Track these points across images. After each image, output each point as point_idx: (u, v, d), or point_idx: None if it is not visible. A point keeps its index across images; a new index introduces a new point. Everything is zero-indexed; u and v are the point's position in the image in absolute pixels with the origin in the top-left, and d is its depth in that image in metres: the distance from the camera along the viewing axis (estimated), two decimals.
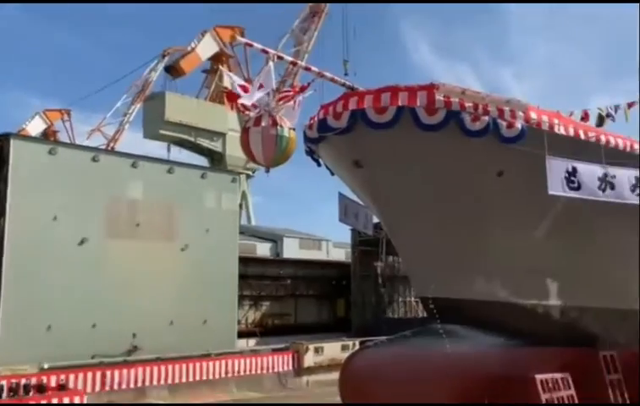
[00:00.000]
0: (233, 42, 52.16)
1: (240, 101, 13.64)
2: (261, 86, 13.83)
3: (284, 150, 13.81)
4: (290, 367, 31.72)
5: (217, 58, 52.81)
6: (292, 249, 48.58)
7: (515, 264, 16.32)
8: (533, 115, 14.59)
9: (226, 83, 14.93)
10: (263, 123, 13.66)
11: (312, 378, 31.82)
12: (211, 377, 28.68)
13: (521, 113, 14.40)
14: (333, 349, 33.30)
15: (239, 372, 29.76)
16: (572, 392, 16.30)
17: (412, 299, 51.92)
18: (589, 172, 14.20)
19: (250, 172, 53.60)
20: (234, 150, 48.66)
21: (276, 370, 31.21)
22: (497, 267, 16.27)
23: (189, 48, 50.85)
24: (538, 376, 15.63)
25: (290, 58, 14.91)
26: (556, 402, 15.77)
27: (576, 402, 16.19)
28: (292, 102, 14.33)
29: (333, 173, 17.24)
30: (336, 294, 50.53)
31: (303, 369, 31.80)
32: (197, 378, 28.15)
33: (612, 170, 14.37)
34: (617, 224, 16.53)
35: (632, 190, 14.47)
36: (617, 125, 19.06)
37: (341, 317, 49.29)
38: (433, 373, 15.28)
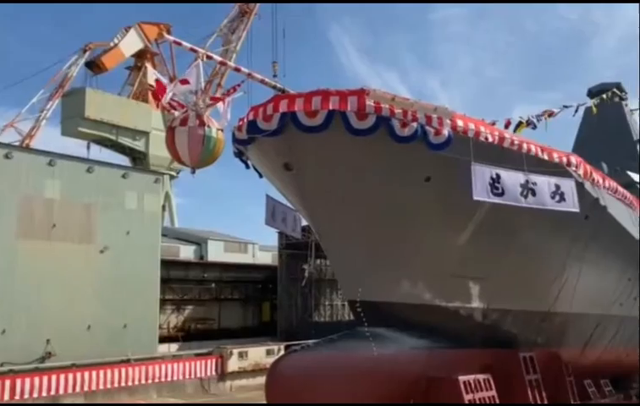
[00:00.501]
0: (158, 40, 50.84)
1: (165, 98, 13.18)
2: (185, 82, 13.44)
3: (212, 151, 13.50)
4: (214, 372, 31.15)
5: (141, 55, 51.34)
6: (217, 252, 47.64)
7: (441, 268, 16.68)
8: (460, 122, 14.96)
9: (151, 81, 14.35)
10: (190, 123, 13.31)
11: (236, 383, 31.47)
12: (130, 384, 27.79)
13: (448, 121, 14.72)
14: (258, 354, 33.06)
15: (160, 378, 29.00)
16: (494, 392, 16.82)
17: (339, 302, 52.27)
18: (512, 178, 14.68)
19: (174, 173, 52.37)
20: (157, 150, 47.48)
21: (198, 375, 30.59)
22: (423, 271, 16.58)
23: (111, 44, 49.15)
24: (461, 377, 15.99)
25: (220, 58, 14.55)
26: (478, 402, 16.13)
27: (497, 402, 16.66)
28: (222, 103, 14.01)
29: (261, 176, 17.04)
30: (262, 298, 50.17)
31: (227, 374, 31.35)
32: (115, 385, 27.25)
33: (533, 177, 14.91)
34: (537, 230, 17.17)
35: (552, 197, 15.03)
36: (538, 133, 19.87)
37: (267, 321, 48.94)
38: (359, 376, 15.28)
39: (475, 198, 14.24)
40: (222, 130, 13.76)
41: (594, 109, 24.01)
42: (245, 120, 14.78)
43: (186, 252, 45.92)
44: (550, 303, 19.05)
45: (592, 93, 33.13)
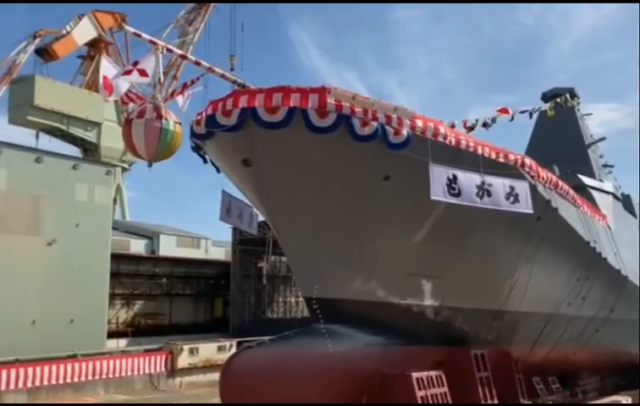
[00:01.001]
0: (113, 29, 49.58)
1: (116, 92, 12.86)
2: (143, 74, 13.15)
3: (169, 144, 13.31)
4: (163, 368, 30.60)
5: (95, 44, 49.98)
6: (169, 247, 47.07)
7: (397, 266, 16.89)
8: (419, 123, 15.19)
9: (106, 72, 13.98)
10: (147, 115, 13.04)
11: (186, 379, 31.09)
12: (76, 380, 27.07)
13: (407, 121, 14.98)
14: (209, 350, 32.68)
15: (107, 374, 28.38)
16: (445, 389, 17.17)
17: (293, 298, 52.27)
18: (468, 179, 14.99)
19: (126, 166, 51.17)
20: (109, 141, 46.35)
21: (147, 371, 29.96)
22: (379, 269, 16.79)
23: (64, 31, 47.65)
24: (414, 374, 16.28)
25: (179, 51, 14.28)
26: (430, 399, 16.39)
27: (449, 398, 17.02)
28: (180, 96, 13.78)
29: (219, 171, 16.90)
30: (214, 294, 49.71)
31: (177, 370, 30.86)
32: (61, 381, 26.49)
33: (489, 178, 15.23)
34: (490, 230, 17.52)
35: (507, 198, 15.38)
36: (492, 135, 20.26)
37: (219, 317, 48.55)
38: (314, 373, 15.42)
39: (432, 198, 14.48)
40: (180, 123, 13.54)
41: (550, 112, 24.69)
42: (204, 114, 14.66)
43: (137, 246, 45.27)
44: (502, 302, 19.52)
45: (546, 97, 34.13)
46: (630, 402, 23.67)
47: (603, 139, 37.89)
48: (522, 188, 15.89)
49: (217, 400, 25.85)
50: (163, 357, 30.82)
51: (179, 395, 28.28)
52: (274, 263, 52.71)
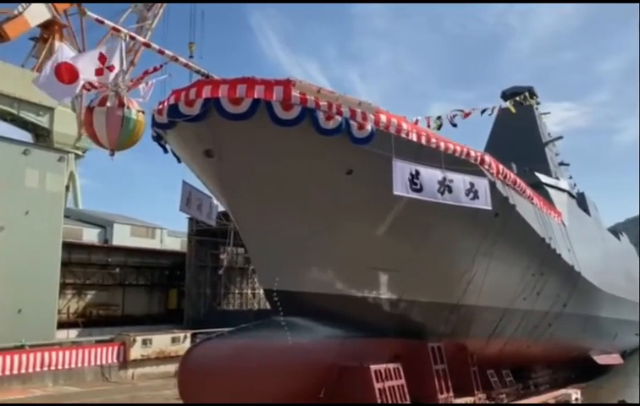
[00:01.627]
0: (68, 11, 48.17)
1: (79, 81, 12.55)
2: (112, 69, 12.89)
3: (131, 133, 13.14)
4: (115, 360, 30.15)
5: (48, 26, 48.45)
6: (123, 237, 46.20)
7: (357, 259, 17.12)
8: (383, 118, 15.40)
9: (64, 58, 13.58)
10: (109, 104, 12.81)
11: (139, 371, 30.75)
12: (24, 371, 26.47)
13: (371, 116, 15.19)
14: (163, 342, 32.39)
15: (56, 366, 27.82)
16: (403, 381, 17.56)
17: (249, 290, 52.22)
18: (430, 175, 15.30)
19: (79, 152, 49.86)
20: (62, 127, 45.09)
21: (99, 363, 29.47)
22: (340, 262, 17.00)
23: (15, 12, 46.09)
24: (373, 367, 16.59)
25: (143, 39, 13.99)
26: (388, 391, 16.67)
27: (406, 390, 17.36)
28: (143, 84, 13.55)
29: (179, 161, 16.75)
30: (169, 285, 49.17)
31: (129, 361, 30.51)
32: (7, 372, 25.85)
33: (450, 175, 15.56)
34: (450, 225, 17.87)
35: (467, 194, 15.74)
36: (452, 132, 20.65)
37: (173, 309, 47.98)
38: (273, 365, 15.56)
39: (395, 193, 14.73)
40: (142, 112, 13.35)
41: (512, 109, 25.27)
42: (166, 104, 14.54)
43: (90, 235, 44.22)
44: (459, 295, 19.96)
45: (505, 95, 35.06)
46: (579, 395, 24.67)
47: (560, 138, 39.15)
48: (482, 185, 16.28)
49: (169, 391, 26.15)
50: (115, 348, 30.37)
51: (130, 387, 27.86)
52: (232, 255, 52.64)
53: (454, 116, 21.06)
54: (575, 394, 24.63)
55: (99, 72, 12.98)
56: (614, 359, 34.72)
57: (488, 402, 21.27)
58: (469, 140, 18.69)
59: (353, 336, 17.19)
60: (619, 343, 37.81)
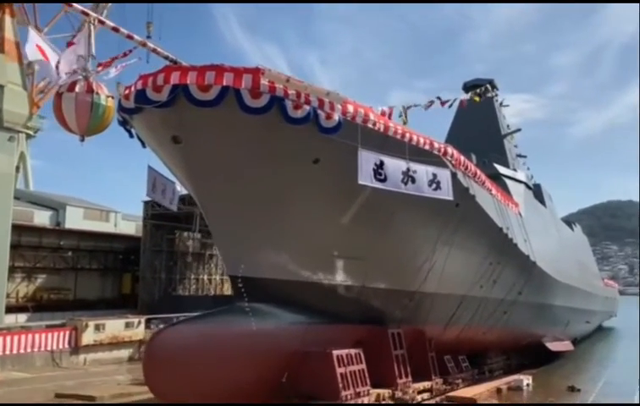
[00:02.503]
0: None
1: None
2: (71, 44, 13.07)
3: (101, 118, 13.40)
4: (66, 345, 29.83)
5: None
6: (76, 219, 45.90)
7: (322, 247, 17.70)
8: (350, 108, 15.90)
9: (36, 41, 13.55)
10: (77, 89, 12.92)
11: (91, 356, 30.58)
12: None
13: (338, 106, 15.65)
14: (116, 327, 32.28)
15: (4, 351, 27.30)
16: (364, 366, 18.28)
17: (205, 276, 52.39)
18: (395, 165, 15.94)
19: (31, 132, 48.76)
20: (13, 106, 43.91)
21: (49, 348, 29.14)
22: (305, 249, 17.55)
23: None
24: (335, 352, 17.24)
25: (112, 24, 14.07)
26: (349, 375, 17.30)
27: (367, 375, 18.15)
28: (112, 68, 13.74)
29: (144, 146, 16.94)
30: (123, 269, 49.16)
31: (81, 347, 30.22)
32: None
33: (414, 165, 16.19)
34: (412, 215, 18.56)
35: (429, 185, 16.44)
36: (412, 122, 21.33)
37: (127, 293, 48.10)
38: (238, 350, 16.03)
39: (360, 182, 15.32)
40: (112, 97, 13.52)
41: (477, 98, 26.05)
42: (133, 89, 14.72)
43: (41, 217, 43.85)
44: (419, 283, 20.68)
45: (466, 87, 36.13)
46: (530, 381, 25.92)
47: (518, 130, 40.48)
48: (444, 175, 17.02)
49: (121, 377, 26.16)
50: (67, 333, 30.02)
51: (82, 372, 27.59)
52: (187, 239, 52.56)
53: (414, 106, 21.81)
54: (526, 380, 25.78)
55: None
56: (565, 345, 36.26)
57: (444, 386, 22.21)
58: (430, 131, 19.46)
59: (316, 322, 17.79)
60: (570, 331, 39.56)
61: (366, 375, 18.19)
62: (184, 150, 15.42)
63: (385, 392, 18.94)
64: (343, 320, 18.50)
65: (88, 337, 30.46)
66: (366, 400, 17.79)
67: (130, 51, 14.48)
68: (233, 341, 16.00)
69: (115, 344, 31.65)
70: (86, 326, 30.53)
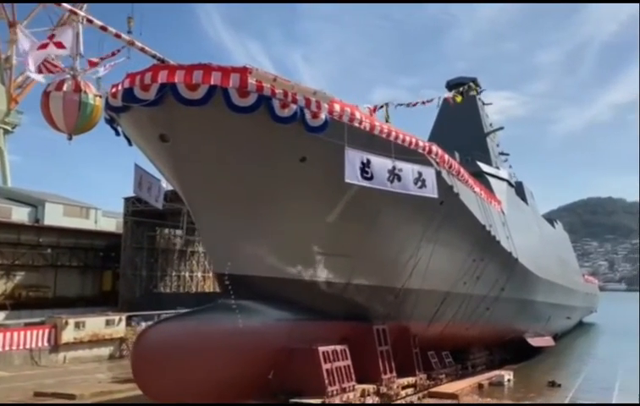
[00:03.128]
0: None
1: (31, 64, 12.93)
2: (60, 46, 13.26)
3: (89, 117, 13.61)
4: (46, 343, 29.81)
5: None
6: (55, 216, 45.79)
7: (308, 244, 18.11)
8: (337, 107, 16.30)
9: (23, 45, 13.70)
10: (65, 88, 13.15)
11: (71, 354, 30.61)
12: None
13: (325, 105, 15.99)
14: (97, 324, 32.36)
15: None
16: (349, 362, 18.74)
17: (187, 273, 52.46)
18: (381, 164, 16.35)
19: (9, 128, 48.85)
20: None
21: (28, 346, 29.07)
22: (292, 247, 17.86)
23: None
24: (321, 348, 17.65)
25: (100, 23, 14.24)
26: (335, 372, 17.75)
27: (352, 371, 18.58)
28: (101, 68, 13.96)
29: (131, 144, 17.19)
30: (103, 267, 49.22)
31: (61, 345, 30.25)
32: None
33: (399, 164, 16.63)
34: (397, 213, 19.03)
35: (415, 183, 16.90)
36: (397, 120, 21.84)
37: (107, 291, 48.12)
38: (225, 346, 16.34)
39: (347, 180, 15.67)
40: (100, 96, 13.75)
41: (459, 99, 26.60)
42: (121, 87, 14.92)
43: (20, 214, 43.64)
44: (404, 280, 21.17)
45: (450, 86, 36.68)
46: (511, 376, 26.58)
47: (501, 128, 41.32)
48: (429, 174, 17.50)
49: (102, 375, 26.21)
50: (46, 331, 30.00)
51: (62, 371, 27.66)
52: (168, 236, 52.62)
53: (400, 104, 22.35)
54: (507, 376, 26.47)
55: (43, 46, 13.28)
56: (546, 341, 37.22)
57: (428, 382, 22.75)
58: (413, 128, 19.92)
59: (302, 319, 18.16)
60: (551, 326, 40.58)
61: (352, 370, 18.61)
62: (172, 148, 15.68)
63: (370, 387, 19.36)
64: (328, 316, 18.86)
65: (68, 334, 30.48)
66: (351, 395, 18.23)
67: (119, 50, 14.71)
68: (220, 338, 16.32)
69: (95, 342, 31.74)
70: (66, 323, 30.54)
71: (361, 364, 19.27)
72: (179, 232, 52.78)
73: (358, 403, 18.57)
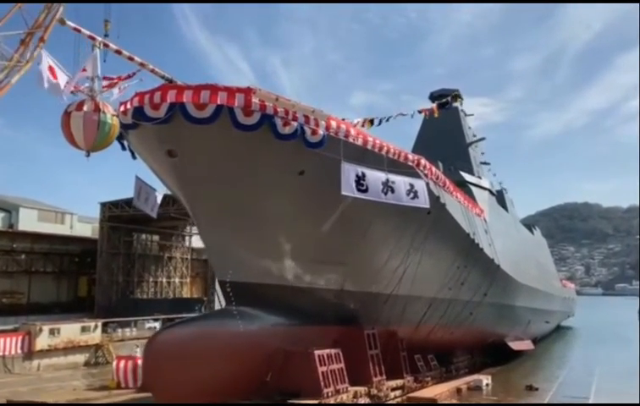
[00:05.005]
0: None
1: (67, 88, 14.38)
2: (84, 70, 14.76)
3: (107, 135, 14.98)
4: (19, 350, 30.38)
5: None
6: (29, 221, 46.64)
7: (304, 253, 19.87)
8: (333, 124, 18.06)
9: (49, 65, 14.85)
10: (85, 108, 14.57)
11: (45, 362, 31.30)
12: None
13: (323, 122, 17.68)
14: (72, 331, 33.12)
15: None
16: (342, 365, 20.46)
17: (164, 279, 53.61)
18: (375, 177, 18.08)
19: None
20: None
21: (1, 353, 29.65)
22: (289, 256, 19.64)
23: None
24: (317, 352, 19.39)
25: (116, 47, 15.67)
26: (330, 374, 19.54)
27: (345, 373, 20.31)
28: (116, 89, 15.47)
29: (134, 157, 18.78)
30: (79, 272, 50.13)
31: (35, 352, 30.87)
32: None
33: (392, 177, 18.41)
34: (388, 223, 20.87)
35: (407, 194, 18.70)
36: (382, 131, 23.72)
37: (83, 297, 49.12)
38: (227, 349, 18.05)
39: (343, 193, 17.39)
40: (117, 116, 15.22)
41: (436, 114, 28.36)
42: (130, 105, 16.47)
43: None
44: (393, 286, 23.01)
45: (433, 97, 38.77)
46: (489, 380, 28.16)
47: (482, 139, 43.57)
48: (421, 185, 19.32)
49: (77, 382, 26.86)
50: (19, 338, 30.49)
51: (35, 378, 28.40)
52: (145, 242, 53.64)
53: (388, 118, 24.38)
54: (485, 380, 27.96)
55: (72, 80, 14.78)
56: (526, 344, 39.52)
57: (415, 384, 24.64)
58: (394, 136, 21.62)
59: (297, 323, 19.90)
60: (531, 330, 43.07)
61: (345, 373, 20.34)
62: (179, 163, 17.24)
63: (362, 389, 21.10)
64: (322, 321, 20.63)
65: (42, 341, 30.99)
66: (345, 397, 19.93)
67: (134, 73, 16.27)
68: (222, 340, 18.03)
69: (71, 349, 32.38)
70: (40, 330, 31.06)
71: (353, 366, 20.95)
72: (156, 237, 54.10)
73: (351, 403, 20.27)
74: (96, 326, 34.26)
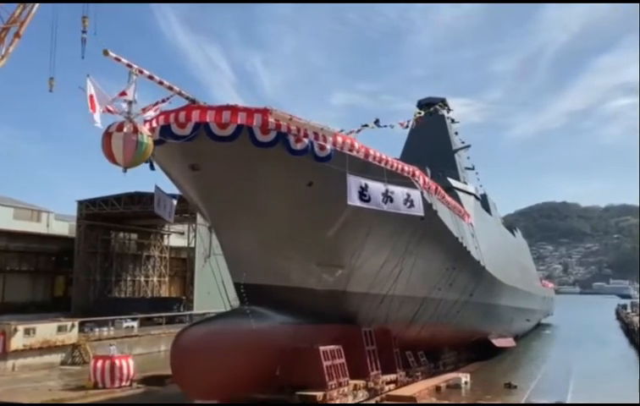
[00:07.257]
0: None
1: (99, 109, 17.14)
2: (123, 93, 17.57)
3: (143, 153, 17.64)
4: None
5: None
6: (4, 219, 48.61)
7: (311, 257, 23.08)
8: (339, 139, 21.19)
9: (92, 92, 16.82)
10: (125, 130, 17.32)
11: (20, 362, 32.13)
12: None
13: (330, 138, 20.78)
14: (48, 331, 34.05)
15: None
16: (343, 360, 23.64)
17: (142, 278, 55.84)
18: (376, 188, 21.15)
19: None
20: None
21: None
22: (297, 259, 22.79)
23: None
24: (322, 348, 22.51)
25: (148, 73, 18.33)
26: (333, 368, 22.73)
27: (346, 368, 23.48)
28: (152, 112, 18.41)
29: (153, 168, 21.81)
30: (55, 271, 52.29)
31: (9, 352, 31.64)
32: None
33: (391, 187, 21.58)
34: (386, 229, 24.05)
35: (404, 203, 21.87)
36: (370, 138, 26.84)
37: (60, 296, 51.26)
38: (241, 345, 21.04)
39: (349, 203, 20.30)
40: (151, 136, 17.98)
41: (416, 121, 31.46)
42: (156, 123, 19.30)
43: None
44: (389, 287, 26.28)
45: (421, 105, 42.43)
46: (468, 379, 30.65)
47: (468, 146, 47.30)
48: (416, 195, 22.50)
49: (53, 383, 28.29)
50: None
51: (10, 379, 29.22)
52: (123, 240, 55.83)
53: (383, 125, 27.68)
54: (464, 378, 30.36)
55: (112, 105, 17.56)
56: (508, 342, 43.72)
57: (407, 378, 27.97)
58: (380, 142, 24.47)
59: (303, 322, 23.01)
60: (513, 328, 47.42)
61: (346, 367, 23.47)
62: (201, 176, 20.17)
63: (360, 382, 24.31)
64: (325, 320, 23.77)
65: (17, 341, 31.81)
66: (346, 389, 23.07)
67: (168, 98, 19.13)
68: (236, 337, 21.03)
69: (47, 349, 33.42)
70: (15, 330, 31.87)
71: (353, 361, 24.11)
72: (134, 236, 56.36)
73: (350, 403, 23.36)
74: (72, 326, 35.41)
